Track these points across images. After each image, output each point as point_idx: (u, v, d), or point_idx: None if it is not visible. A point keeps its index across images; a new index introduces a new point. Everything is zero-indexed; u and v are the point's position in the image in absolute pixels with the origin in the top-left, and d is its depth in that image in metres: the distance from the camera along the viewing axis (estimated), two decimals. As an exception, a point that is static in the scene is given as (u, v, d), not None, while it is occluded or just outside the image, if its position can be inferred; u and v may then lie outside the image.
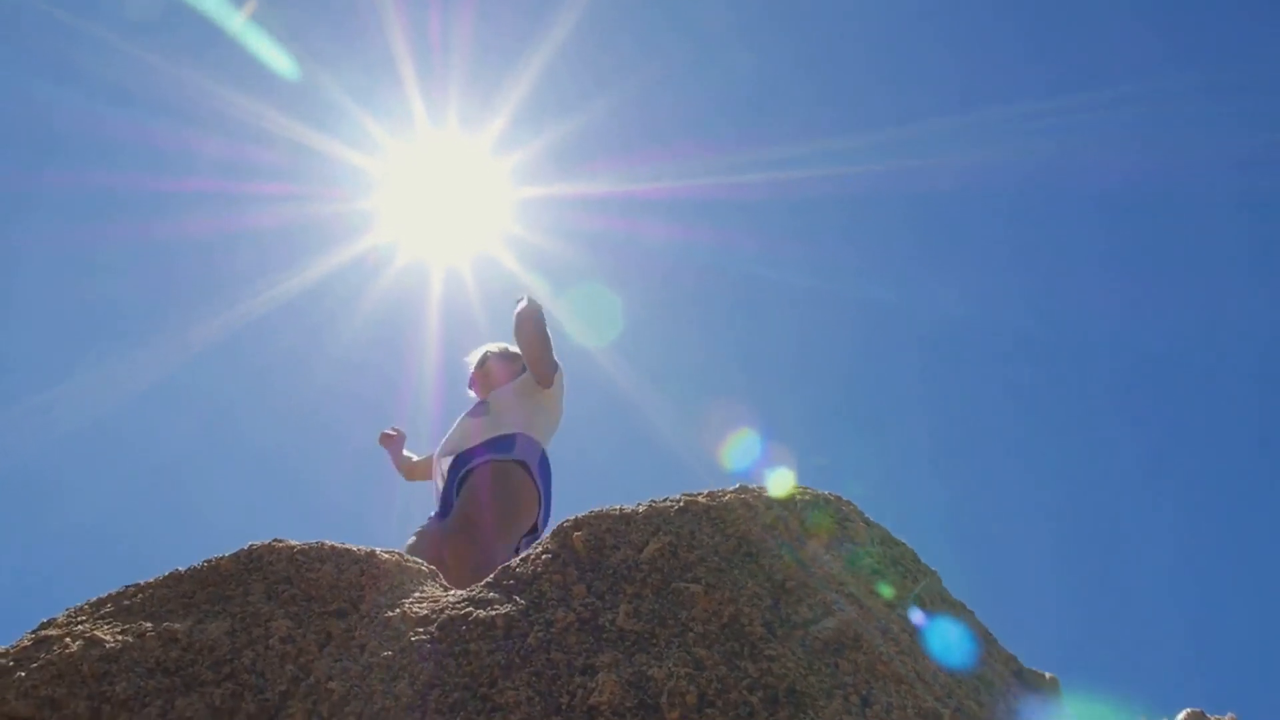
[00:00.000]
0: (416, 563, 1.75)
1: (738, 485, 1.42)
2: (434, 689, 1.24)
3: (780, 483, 1.40)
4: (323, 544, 1.75)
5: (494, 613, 1.37)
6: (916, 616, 1.11)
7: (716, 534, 1.31)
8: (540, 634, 1.26)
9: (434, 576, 1.74)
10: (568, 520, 1.52)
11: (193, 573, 1.78)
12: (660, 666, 1.10)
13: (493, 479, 2.90)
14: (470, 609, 1.41)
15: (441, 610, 1.45)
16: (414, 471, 3.64)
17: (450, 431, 3.29)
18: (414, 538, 3.07)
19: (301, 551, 1.71)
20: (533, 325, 3.16)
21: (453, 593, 1.58)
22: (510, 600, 1.40)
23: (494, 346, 3.55)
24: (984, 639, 1.22)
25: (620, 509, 1.49)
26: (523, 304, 3.23)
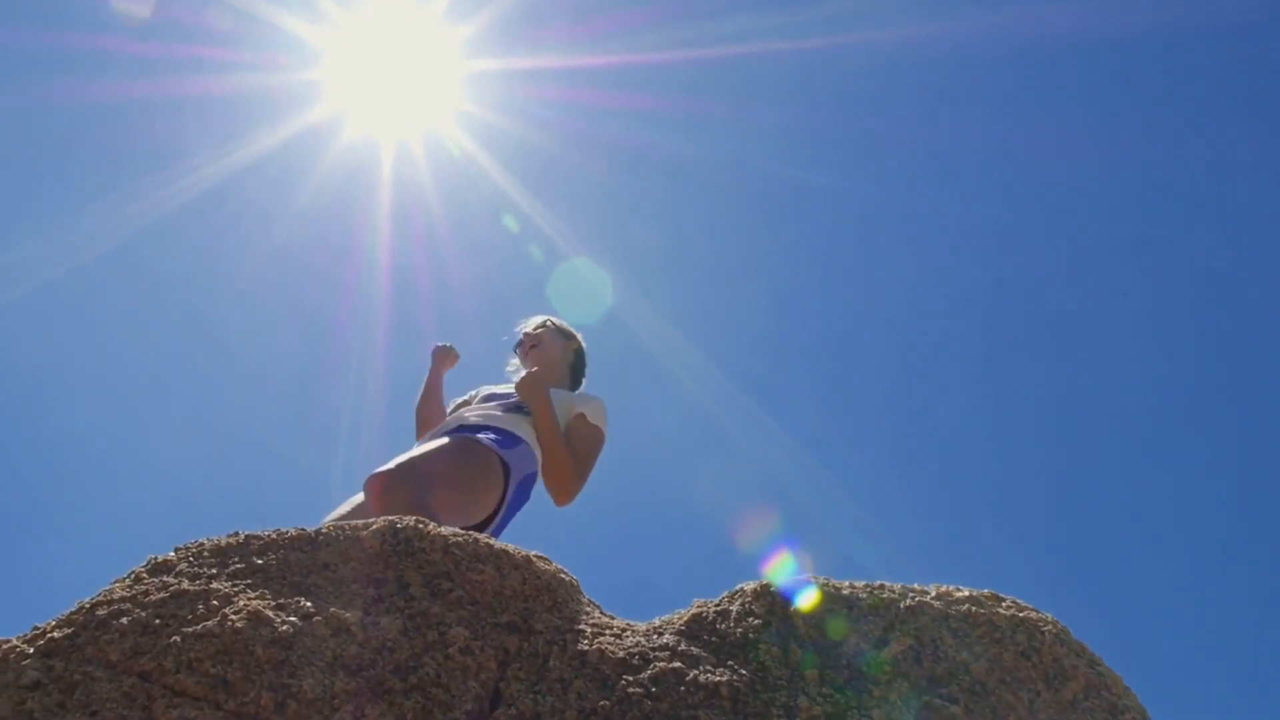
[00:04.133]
0: (565, 572, 1.68)
1: (968, 593, 1.40)
2: (669, 758, 1.19)
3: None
4: (475, 539, 1.65)
5: (714, 678, 1.31)
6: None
7: (962, 648, 1.29)
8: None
9: (579, 589, 1.68)
10: (771, 583, 1.47)
11: (327, 540, 1.65)
12: (941, 797, 1.08)
13: (469, 454, 2.57)
14: (681, 665, 1.36)
15: (640, 655, 1.39)
16: (428, 422, 3.24)
17: (474, 405, 3.06)
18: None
19: (456, 544, 1.61)
20: (550, 428, 2.78)
21: (630, 626, 1.52)
22: (724, 664, 1.35)
23: (555, 320, 3.38)
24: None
25: (834, 586, 1.46)
26: (521, 376, 2.91)
